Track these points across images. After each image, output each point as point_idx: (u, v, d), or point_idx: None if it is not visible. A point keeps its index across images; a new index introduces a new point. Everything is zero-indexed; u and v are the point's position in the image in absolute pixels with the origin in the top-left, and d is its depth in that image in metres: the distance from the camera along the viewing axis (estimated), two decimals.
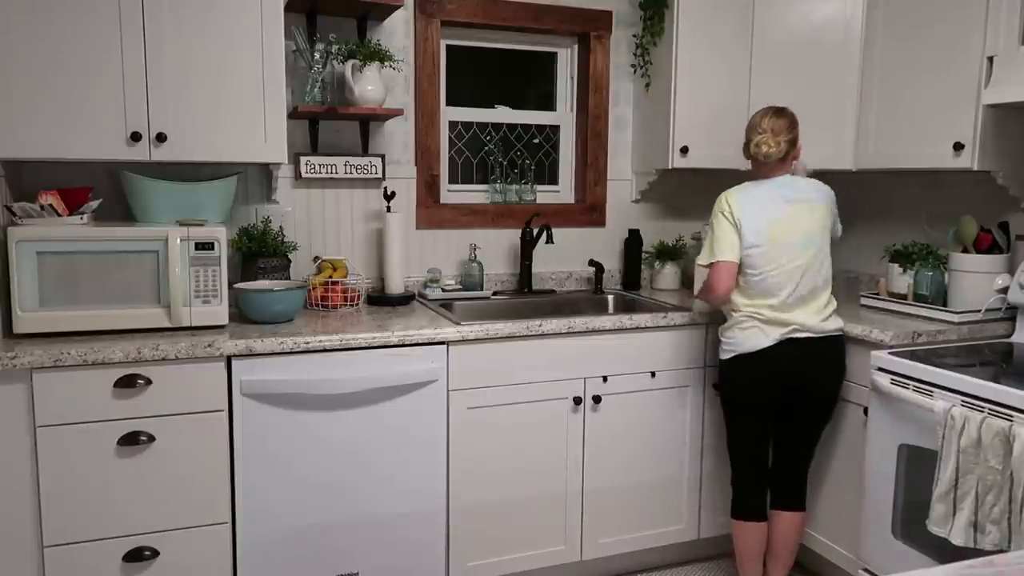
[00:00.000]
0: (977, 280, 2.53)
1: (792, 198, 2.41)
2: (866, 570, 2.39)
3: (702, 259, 2.46)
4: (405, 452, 2.39)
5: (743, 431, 2.49)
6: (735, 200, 2.40)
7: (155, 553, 2.15)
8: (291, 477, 2.28)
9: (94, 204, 2.36)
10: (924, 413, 2.14)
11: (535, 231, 3.07)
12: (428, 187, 3.00)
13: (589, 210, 3.27)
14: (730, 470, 2.57)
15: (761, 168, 2.46)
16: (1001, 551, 1.89)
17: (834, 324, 2.42)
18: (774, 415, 2.47)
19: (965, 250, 2.60)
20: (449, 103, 3.11)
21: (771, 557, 2.54)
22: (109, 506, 2.10)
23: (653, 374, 2.67)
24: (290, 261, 2.71)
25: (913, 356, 2.27)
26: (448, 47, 3.08)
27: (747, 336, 2.39)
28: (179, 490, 2.16)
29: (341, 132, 2.86)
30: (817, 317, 2.39)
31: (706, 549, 2.90)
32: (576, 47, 3.27)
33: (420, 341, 2.35)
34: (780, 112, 2.44)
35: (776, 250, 2.36)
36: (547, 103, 3.32)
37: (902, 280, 2.73)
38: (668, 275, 3.27)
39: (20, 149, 2.15)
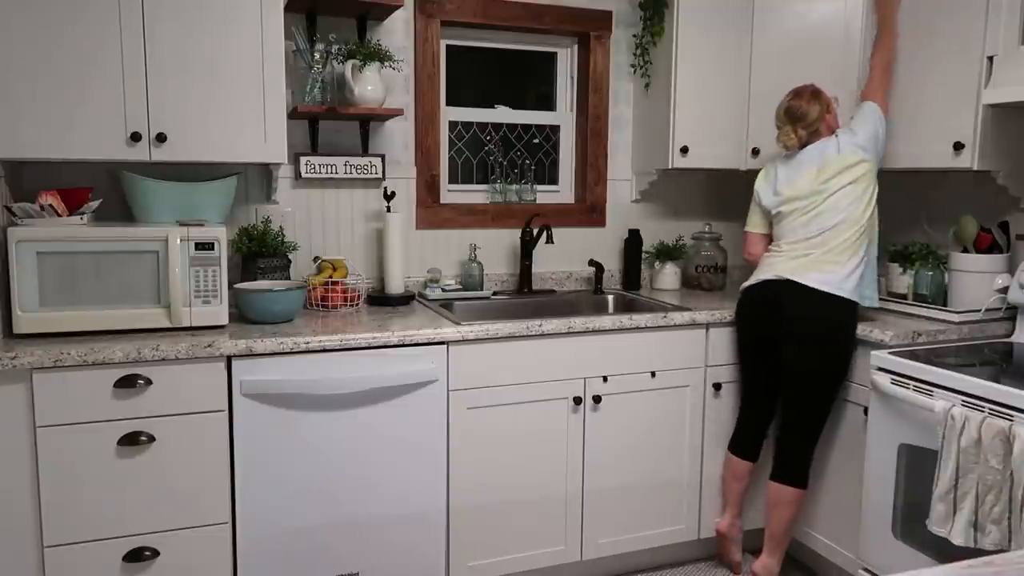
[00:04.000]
0: (977, 280, 2.53)
1: (804, 160, 2.58)
2: (866, 570, 2.39)
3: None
4: (405, 452, 2.39)
5: (741, 369, 2.74)
6: (760, 175, 2.73)
7: (155, 553, 2.15)
8: (291, 477, 2.28)
9: (94, 204, 2.36)
10: (924, 413, 2.14)
11: (535, 231, 3.07)
12: (428, 187, 3.00)
13: (589, 210, 3.27)
14: None
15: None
16: (1001, 551, 1.89)
17: (815, 276, 2.43)
18: (771, 366, 2.59)
19: (965, 250, 2.60)
20: (449, 103, 3.11)
21: (767, 532, 2.60)
22: (109, 506, 2.10)
23: (653, 374, 2.67)
24: (290, 261, 2.71)
25: (913, 356, 2.27)
26: (448, 47, 3.08)
27: (748, 280, 2.67)
28: (179, 490, 2.16)
29: (341, 132, 2.86)
30: (792, 264, 2.48)
31: (706, 549, 2.90)
32: (576, 47, 3.27)
33: (420, 341, 2.35)
34: (798, 94, 2.61)
35: (785, 209, 2.58)
36: (547, 103, 3.31)
37: (902, 280, 2.73)
38: (668, 275, 3.27)
39: (20, 149, 2.15)
